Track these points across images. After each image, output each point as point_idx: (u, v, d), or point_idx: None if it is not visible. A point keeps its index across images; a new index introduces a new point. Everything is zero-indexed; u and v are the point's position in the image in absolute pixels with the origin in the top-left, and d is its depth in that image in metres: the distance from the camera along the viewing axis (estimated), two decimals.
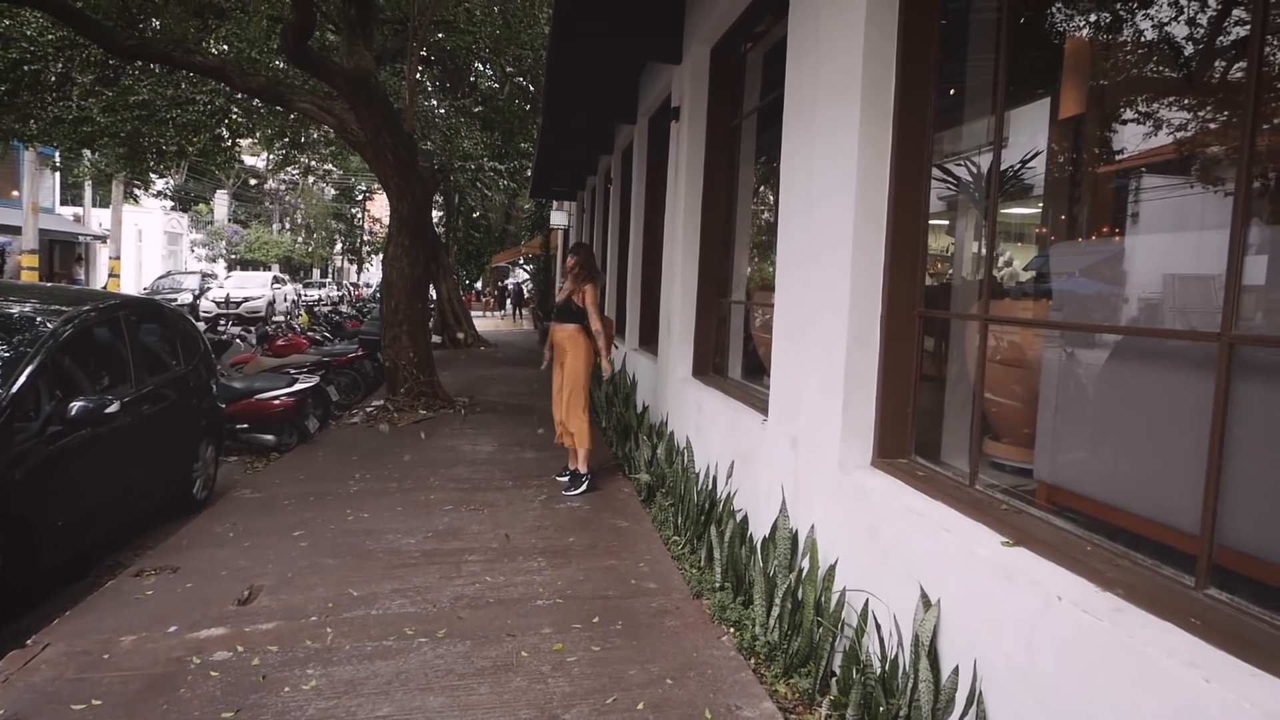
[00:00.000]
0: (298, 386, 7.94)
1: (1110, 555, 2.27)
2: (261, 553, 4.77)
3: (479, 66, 17.97)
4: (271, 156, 20.67)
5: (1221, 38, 3.03)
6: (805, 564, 3.51)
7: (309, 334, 13.35)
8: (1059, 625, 2.09)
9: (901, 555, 2.86)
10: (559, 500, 6.00)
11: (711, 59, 6.28)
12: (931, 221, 3.47)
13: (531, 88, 16.17)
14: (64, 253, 30.82)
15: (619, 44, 7.06)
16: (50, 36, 11.20)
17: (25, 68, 11.25)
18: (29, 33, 11.14)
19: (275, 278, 31.29)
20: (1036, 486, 2.94)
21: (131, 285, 32.63)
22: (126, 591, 4.20)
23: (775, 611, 3.48)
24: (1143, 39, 3.45)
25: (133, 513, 5.23)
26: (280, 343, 11.80)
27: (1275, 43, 2.62)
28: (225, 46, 12.56)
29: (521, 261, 35.22)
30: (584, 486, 6.17)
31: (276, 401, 7.67)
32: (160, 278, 30.53)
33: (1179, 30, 3.24)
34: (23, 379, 4.22)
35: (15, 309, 4.90)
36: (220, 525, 5.30)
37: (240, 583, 4.29)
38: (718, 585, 4.13)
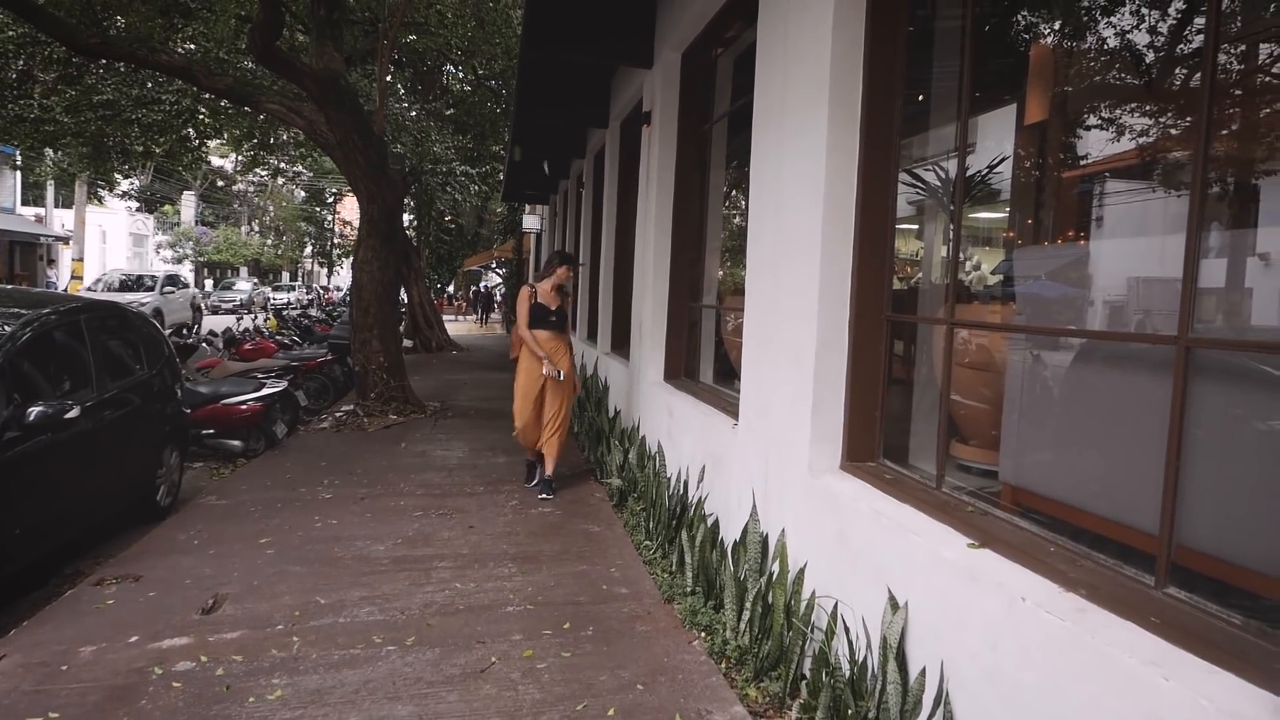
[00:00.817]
0: (265, 391, 7.84)
1: (1073, 556, 2.30)
2: (227, 561, 4.69)
3: (450, 69, 17.88)
4: (240, 158, 20.40)
5: (1181, 45, 3.10)
6: (775, 568, 3.52)
7: (277, 338, 13.16)
8: (1023, 626, 2.11)
9: (870, 558, 2.87)
10: (530, 505, 5.97)
11: (683, 64, 6.30)
12: (901, 225, 3.50)
13: (504, 90, 16.11)
14: (24, 254, 30.17)
15: (590, 48, 7.06)
16: (11, 33, 10.99)
17: None
18: None
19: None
20: (1001, 488, 2.97)
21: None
22: (86, 601, 4.11)
23: (746, 615, 3.49)
24: (1105, 46, 3.52)
25: (94, 520, 5.12)
26: (248, 347, 11.62)
27: (1231, 50, 2.69)
28: (192, 46, 12.39)
29: (494, 265, 35.05)
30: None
31: (243, 406, 7.56)
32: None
33: (1139, 38, 3.31)
34: None
35: None
36: (184, 533, 5.21)
37: (204, 591, 4.22)
38: (689, 590, 4.13)
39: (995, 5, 3.89)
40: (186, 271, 40.02)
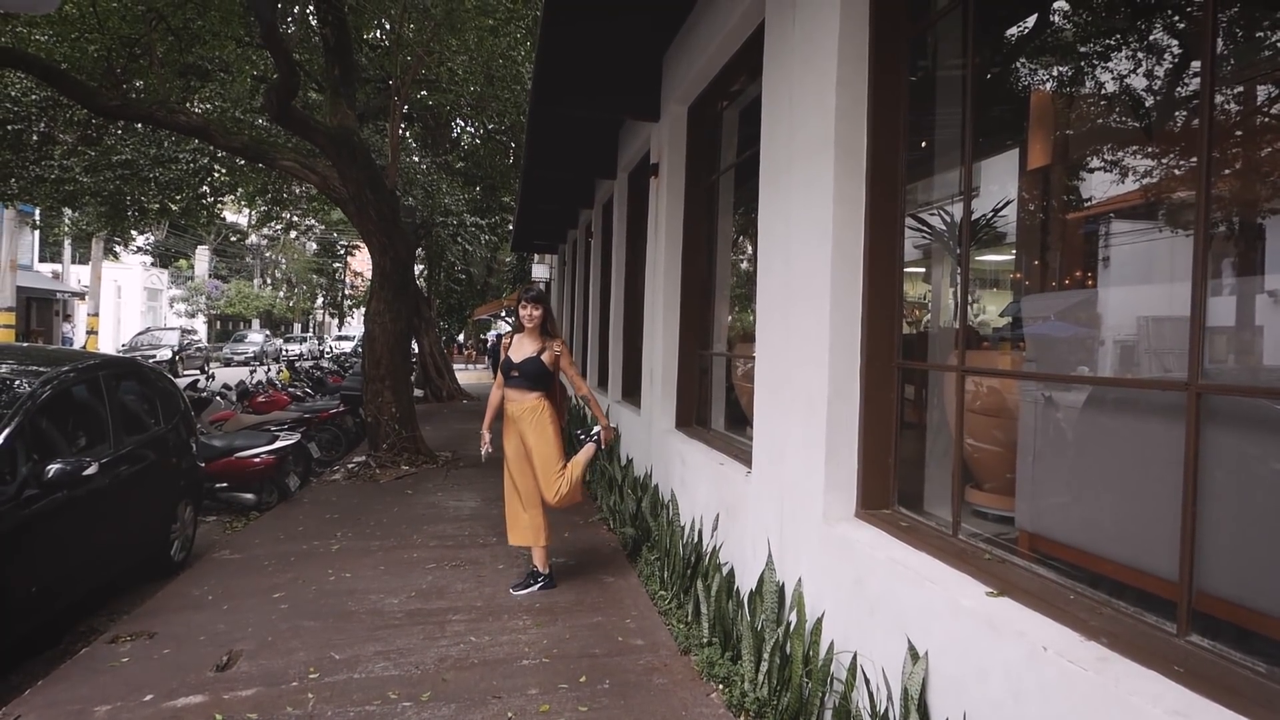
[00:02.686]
0: (278, 444, 7.88)
1: (1093, 603, 2.29)
2: (241, 616, 4.68)
3: (460, 123, 18.24)
4: (254, 213, 20.77)
5: (1180, 88, 3.17)
6: (793, 617, 3.49)
7: (290, 390, 13.25)
8: (1046, 675, 2.09)
9: (888, 607, 2.86)
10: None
11: (689, 116, 6.43)
12: (909, 269, 3.55)
13: (513, 144, 16.40)
14: (41, 309, 30.60)
15: (598, 103, 7.23)
16: (34, 97, 11.28)
17: (8, 128, 11.31)
18: (13, 93, 11.23)
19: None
20: (1018, 534, 2.96)
21: (109, 341, 32.41)
22: (101, 659, 4.10)
23: (764, 667, 3.45)
24: (1104, 91, 3.59)
25: (108, 576, 5.13)
26: (261, 399, 11.70)
27: (1229, 92, 2.75)
28: (209, 105, 12.69)
29: (504, 314, 35.30)
30: (538, 585, 5.16)
31: (257, 459, 7.60)
32: (139, 334, 30.36)
33: (1138, 82, 3.39)
34: None
35: None
36: (198, 588, 5.21)
37: (219, 648, 4.21)
38: (705, 640, 4.09)
39: (995, 54, 4.00)
40: (200, 325, 40.46)
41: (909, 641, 2.69)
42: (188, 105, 11.58)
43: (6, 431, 4.24)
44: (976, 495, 3.35)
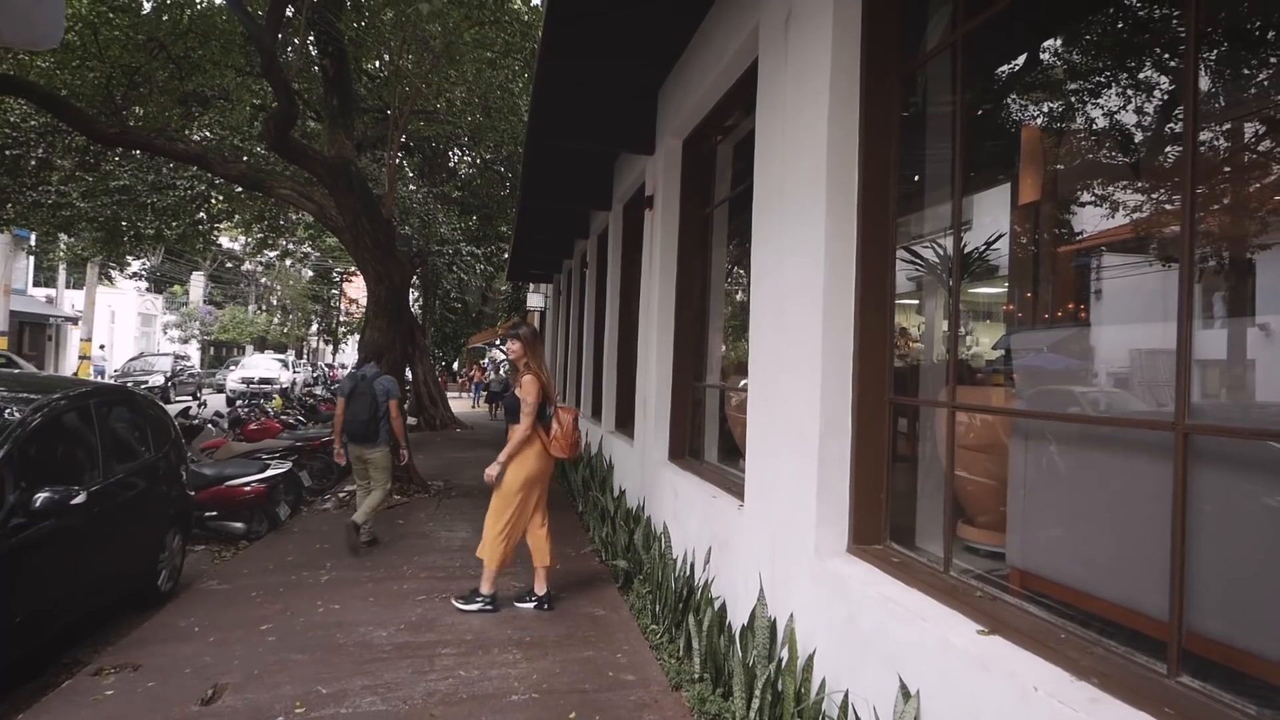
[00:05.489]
0: (269, 472, 7.83)
1: (1084, 642, 2.28)
2: (227, 648, 4.63)
3: (458, 153, 18.37)
4: (249, 240, 20.81)
5: (1167, 125, 3.22)
6: (785, 653, 3.47)
7: (282, 417, 13.19)
8: (1037, 716, 2.08)
9: (880, 644, 2.84)
10: None
11: (684, 150, 6.50)
12: (902, 301, 3.57)
13: (510, 174, 16.52)
14: (34, 334, 30.53)
15: (594, 136, 7.30)
16: (33, 123, 11.35)
17: (6, 153, 11.35)
18: (12, 119, 11.29)
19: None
20: (1010, 571, 2.96)
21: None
22: (84, 692, 4.04)
23: (755, 704, 3.42)
24: (1093, 128, 3.65)
25: (94, 606, 5.06)
26: (253, 427, 11.64)
27: (1215, 128, 2.80)
28: (208, 133, 12.77)
29: (499, 342, 35.31)
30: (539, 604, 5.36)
31: (247, 488, 7.54)
32: (132, 359, 30.27)
33: (1126, 119, 3.45)
34: None
35: None
36: (185, 619, 5.15)
37: (204, 681, 4.15)
38: (697, 676, 4.06)
39: (986, 91, 4.06)
40: (193, 350, 40.38)
41: (900, 680, 2.67)
42: (186, 133, 11.65)
43: None
44: (968, 530, 3.35)
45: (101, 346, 34.48)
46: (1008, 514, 3.13)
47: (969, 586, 2.80)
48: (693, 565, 4.98)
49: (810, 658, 3.29)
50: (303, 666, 4.36)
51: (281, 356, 35.20)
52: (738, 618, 4.15)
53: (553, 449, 5.29)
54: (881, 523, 3.36)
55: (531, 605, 5.37)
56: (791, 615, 3.52)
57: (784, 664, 3.42)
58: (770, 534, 3.85)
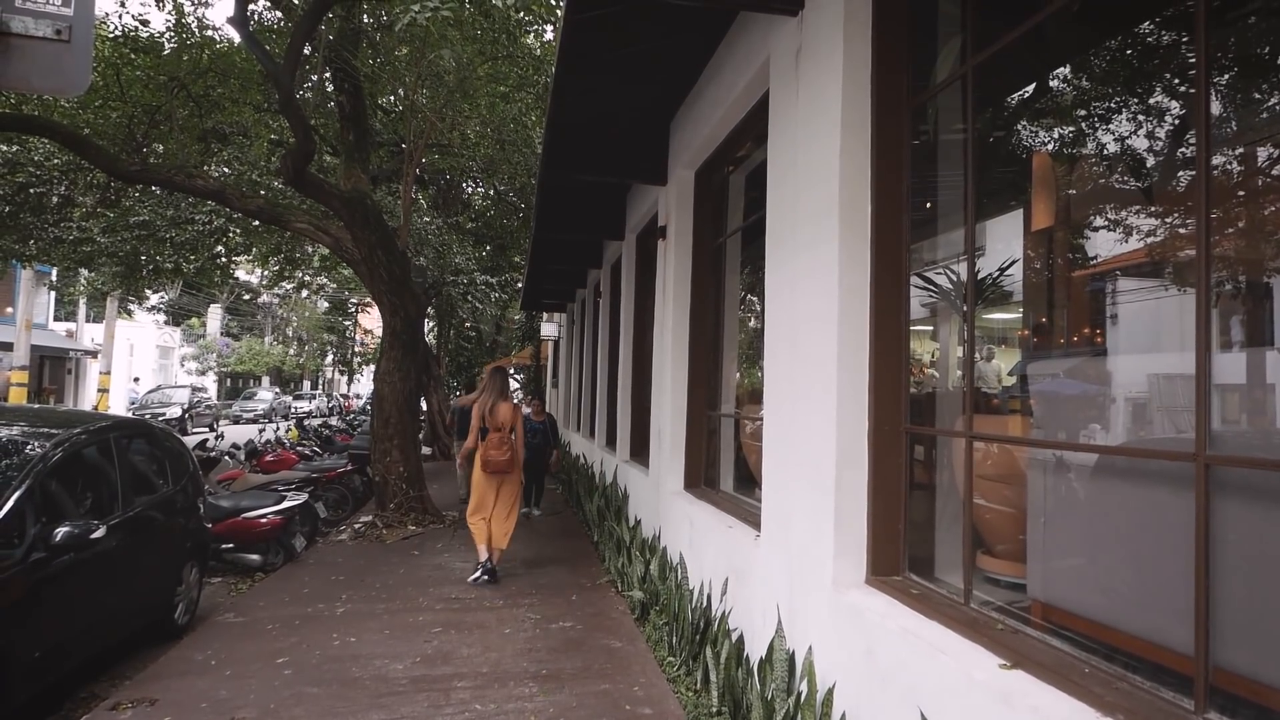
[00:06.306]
0: (285, 504, 7.85)
1: (1109, 677, 2.25)
2: (243, 682, 4.62)
3: (472, 185, 18.56)
4: (266, 272, 21.05)
5: (1179, 150, 3.22)
6: (804, 687, 3.43)
7: (298, 449, 13.26)
8: None
9: (900, 678, 2.81)
10: (551, 620, 5.87)
11: (696, 181, 6.55)
12: (917, 327, 3.56)
13: (523, 205, 16.66)
14: (54, 367, 30.90)
15: (606, 168, 7.37)
16: (56, 161, 11.57)
17: (30, 191, 11.57)
18: (36, 158, 11.51)
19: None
20: (1031, 603, 2.92)
21: (121, 399, 32.60)
22: None
23: None
24: (1105, 154, 3.66)
25: (112, 640, 5.08)
26: (269, 458, 11.71)
27: (1228, 153, 2.80)
28: (226, 169, 12.98)
29: (512, 371, 35.42)
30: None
31: (263, 520, 7.57)
32: (150, 391, 30.54)
33: (1138, 144, 3.45)
34: (9, 505, 4.18)
35: (4, 432, 4.89)
36: (201, 652, 5.15)
37: (220, 715, 4.15)
38: (714, 710, 4.01)
39: (996, 120, 4.08)
40: (210, 382, 40.71)
41: (922, 714, 2.63)
42: (205, 169, 11.84)
43: (16, 495, 4.25)
44: (988, 561, 3.31)
45: (136, 379, 36.26)
46: (1027, 544, 3.10)
47: (990, 619, 2.76)
48: (709, 596, 4.95)
49: (830, 691, 3.25)
50: (318, 700, 4.35)
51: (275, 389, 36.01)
52: (755, 650, 4.11)
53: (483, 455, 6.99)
54: (900, 554, 3.33)
55: (479, 574, 6.97)
56: (810, 648, 3.48)
57: (803, 698, 3.38)
58: (787, 565, 3.82)
